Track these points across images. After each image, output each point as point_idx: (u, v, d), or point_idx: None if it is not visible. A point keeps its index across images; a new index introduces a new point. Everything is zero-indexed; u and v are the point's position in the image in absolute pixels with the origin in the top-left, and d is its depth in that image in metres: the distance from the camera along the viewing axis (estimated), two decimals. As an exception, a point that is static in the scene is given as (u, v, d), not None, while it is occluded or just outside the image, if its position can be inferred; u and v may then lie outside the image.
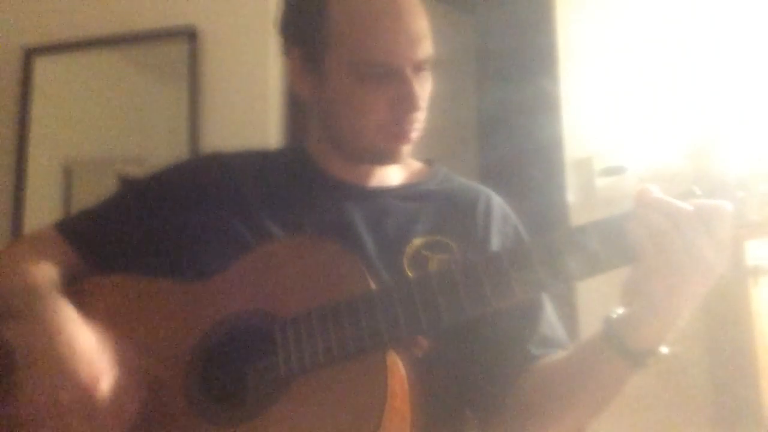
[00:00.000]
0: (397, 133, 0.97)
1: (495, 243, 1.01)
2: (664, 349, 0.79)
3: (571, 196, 2.12)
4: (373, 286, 0.84)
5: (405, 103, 0.95)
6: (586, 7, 2.20)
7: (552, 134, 2.16)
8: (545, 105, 2.21)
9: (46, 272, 0.96)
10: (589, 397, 0.88)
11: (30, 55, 2.35)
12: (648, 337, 0.78)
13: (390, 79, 0.95)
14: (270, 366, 0.83)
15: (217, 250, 0.97)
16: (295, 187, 1.05)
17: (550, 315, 1.00)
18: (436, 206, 1.04)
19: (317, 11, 0.97)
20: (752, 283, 1.76)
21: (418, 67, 0.96)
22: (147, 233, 1.03)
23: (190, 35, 2.26)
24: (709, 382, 1.95)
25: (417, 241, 0.98)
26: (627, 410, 1.76)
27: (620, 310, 0.80)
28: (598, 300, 0.87)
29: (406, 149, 1.00)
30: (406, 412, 0.79)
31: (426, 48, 0.96)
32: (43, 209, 2.28)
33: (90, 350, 0.83)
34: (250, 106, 2.22)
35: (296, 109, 2.17)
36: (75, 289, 0.95)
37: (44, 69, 2.35)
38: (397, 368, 0.80)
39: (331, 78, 0.98)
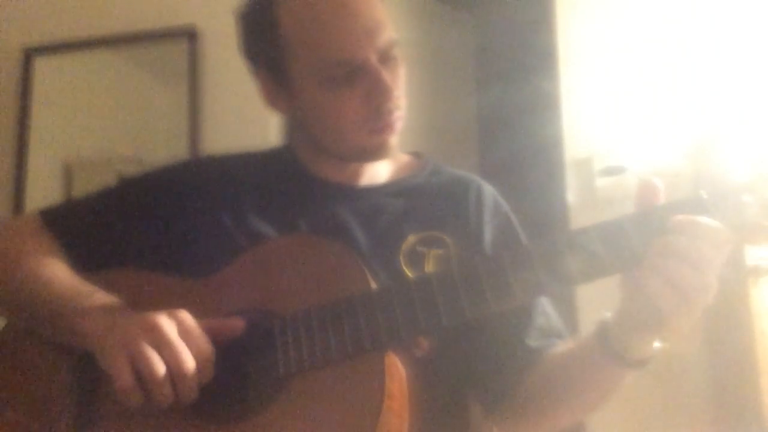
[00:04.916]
0: (378, 127, 0.95)
1: (487, 233, 1.01)
2: (657, 344, 0.79)
3: (571, 196, 2.12)
4: (373, 284, 0.84)
5: (377, 94, 0.93)
6: (586, 7, 2.20)
7: (552, 134, 2.17)
8: (545, 105, 2.21)
9: (65, 271, 0.96)
10: (585, 394, 0.91)
11: (30, 55, 2.35)
12: (642, 339, 0.78)
13: (356, 76, 0.93)
14: (269, 365, 0.83)
15: (207, 252, 0.96)
16: (287, 190, 1.04)
17: (545, 306, 1.00)
18: (427, 201, 1.03)
19: (269, 27, 0.96)
20: (752, 283, 1.76)
21: (384, 56, 0.94)
22: (135, 232, 1.02)
23: (190, 35, 2.26)
24: (709, 382, 1.95)
25: (412, 238, 0.97)
26: (627, 410, 1.76)
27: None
28: (598, 300, 0.87)
29: (393, 141, 0.98)
30: (405, 414, 0.79)
31: (386, 34, 0.94)
32: (43, 209, 2.28)
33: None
34: (250, 106, 2.20)
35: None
36: None
37: (44, 69, 2.35)
38: (396, 369, 0.80)
39: (300, 90, 0.97)
